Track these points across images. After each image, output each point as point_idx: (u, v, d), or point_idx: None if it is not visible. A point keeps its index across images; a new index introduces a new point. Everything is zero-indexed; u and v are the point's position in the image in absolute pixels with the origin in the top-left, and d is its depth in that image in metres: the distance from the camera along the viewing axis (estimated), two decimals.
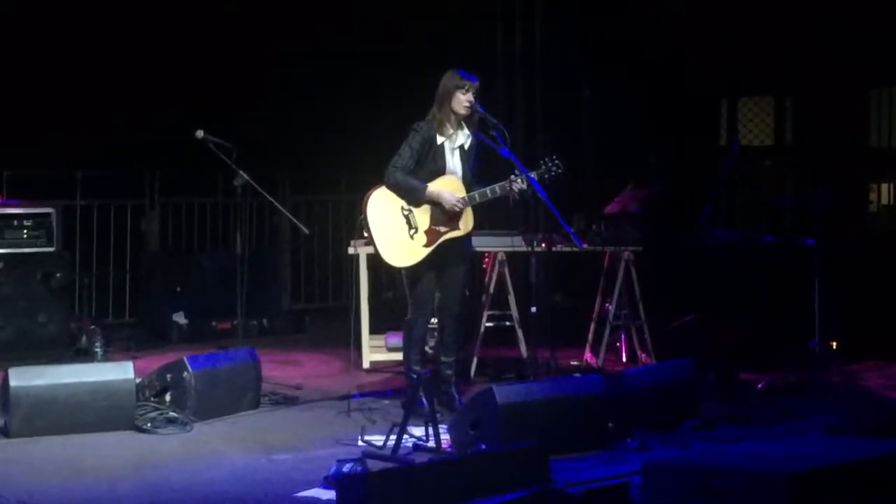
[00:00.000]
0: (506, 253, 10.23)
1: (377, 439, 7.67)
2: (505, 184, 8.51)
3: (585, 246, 9.78)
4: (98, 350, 10.62)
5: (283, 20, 13.35)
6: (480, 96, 8.62)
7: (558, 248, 9.69)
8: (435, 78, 8.68)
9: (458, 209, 8.54)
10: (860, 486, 5.86)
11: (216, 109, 11.83)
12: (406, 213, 8.56)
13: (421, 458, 7.32)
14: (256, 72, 13.24)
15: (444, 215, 8.58)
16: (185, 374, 8.39)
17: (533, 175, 8.49)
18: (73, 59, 12.42)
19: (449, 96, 8.57)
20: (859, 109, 13.25)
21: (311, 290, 14.02)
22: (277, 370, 10.17)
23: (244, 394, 8.77)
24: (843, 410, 8.80)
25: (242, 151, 9.34)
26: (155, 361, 9.70)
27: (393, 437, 7.45)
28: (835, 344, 10.02)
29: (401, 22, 13.23)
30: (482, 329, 10.30)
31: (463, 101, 8.55)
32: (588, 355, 10.55)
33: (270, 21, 13.33)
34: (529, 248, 8.91)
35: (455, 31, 12.80)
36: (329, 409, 8.89)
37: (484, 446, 7.22)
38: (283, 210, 10.35)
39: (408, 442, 7.53)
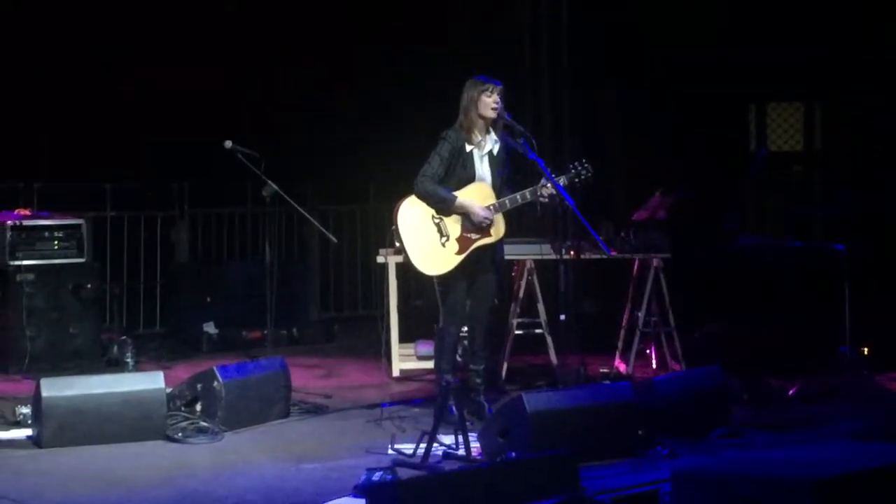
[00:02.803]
0: (534, 260, 10.23)
1: (407, 447, 7.68)
2: (534, 189, 8.51)
3: (614, 253, 9.78)
4: (129, 360, 10.66)
5: (311, 32, 13.37)
6: (507, 106, 8.62)
7: (587, 255, 9.69)
8: (460, 85, 8.68)
9: (486, 224, 8.54)
10: (889, 493, 5.84)
11: (244, 119, 11.87)
12: (437, 221, 8.56)
13: (451, 466, 7.33)
14: (285, 82, 13.27)
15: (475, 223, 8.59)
16: (216, 383, 8.41)
17: (562, 180, 8.49)
18: (104, 72, 12.48)
19: (474, 102, 8.58)
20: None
21: (340, 299, 14.03)
22: (307, 379, 10.20)
23: (274, 403, 8.79)
24: (873, 417, 8.76)
25: (270, 161, 9.36)
26: (185, 371, 9.73)
27: (423, 445, 7.46)
28: (866, 350, 9.98)
29: (426, 32, 13.24)
30: (511, 337, 10.30)
31: (490, 103, 8.55)
32: (618, 362, 10.53)
33: (298, 33, 13.35)
34: (558, 256, 8.91)
35: (481, 40, 12.81)
36: (359, 418, 8.90)
37: (514, 454, 7.22)
38: (312, 219, 10.37)
39: (437, 450, 7.53)
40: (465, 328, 8.91)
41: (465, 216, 8.55)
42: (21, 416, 8.44)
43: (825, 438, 7.98)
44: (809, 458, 6.26)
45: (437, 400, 7.96)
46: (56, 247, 10.73)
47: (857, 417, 8.67)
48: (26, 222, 10.70)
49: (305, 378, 10.21)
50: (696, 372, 8.71)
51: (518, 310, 10.36)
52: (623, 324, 10.63)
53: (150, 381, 8.27)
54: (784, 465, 6.11)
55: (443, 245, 8.56)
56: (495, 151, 8.70)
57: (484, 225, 8.54)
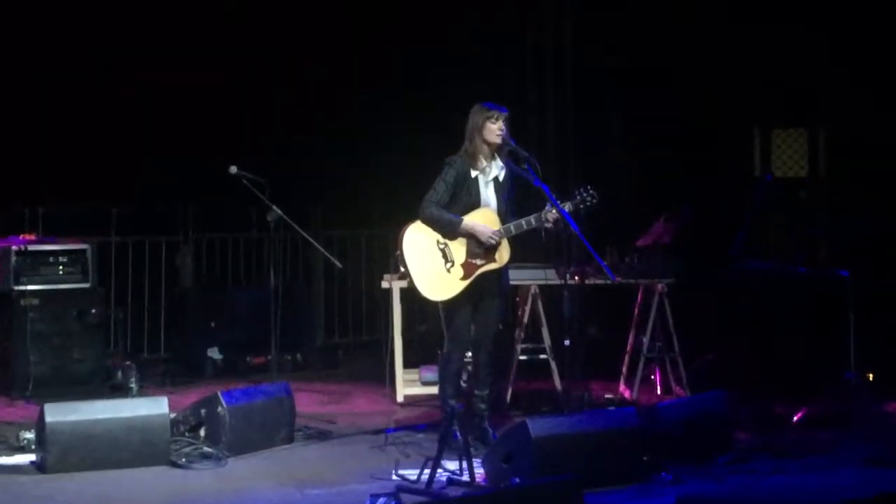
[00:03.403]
0: (539, 286, 10.23)
1: (411, 473, 7.67)
2: (539, 215, 8.51)
3: (618, 279, 9.77)
4: (133, 385, 10.66)
5: (316, 57, 13.39)
6: (512, 132, 8.63)
7: (591, 280, 9.69)
8: (466, 112, 8.70)
9: (492, 242, 8.55)
10: None
11: (249, 145, 11.89)
12: (442, 246, 8.57)
13: (455, 491, 7.32)
14: (290, 108, 13.29)
15: (481, 248, 8.59)
16: (220, 409, 8.40)
17: (567, 206, 8.49)
18: (108, 97, 12.50)
19: (479, 128, 8.59)
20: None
21: (345, 325, 14.03)
22: (311, 405, 10.18)
23: (278, 429, 8.78)
24: (880, 442, 8.74)
25: (275, 187, 9.37)
26: (189, 396, 9.73)
27: (427, 470, 7.45)
28: (871, 376, 9.96)
29: (431, 59, 13.26)
30: (516, 362, 10.29)
31: (494, 129, 8.56)
32: (622, 388, 10.52)
33: (303, 58, 13.38)
34: (563, 281, 8.90)
35: (485, 65, 12.82)
36: (363, 444, 8.89)
37: (518, 480, 7.20)
38: (317, 244, 10.37)
39: (442, 476, 7.52)
40: (470, 353, 8.91)
41: (472, 238, 8.55)
42: (25, 442, 8.43)
43: (832, 464, 7.96)
44: (817, 485, 6.24)
45: (442, 425, 7.96)
46: (61, 272, 10.74)
47: (864, 443, 8.64)
48: (31, 247, 10.70)
49: (310, 403, 10.20)
50: (701, 397, 8.69)
51: (522, 335, 10.35)
52: (627, 349, 10.63)
53: (154, 407, 8.27)
54: (791, 492, 6.09)
55: (448, 270, 8.56)
56: (500, 178, 8.71)
57: (491, 243, 8.53)
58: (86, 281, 10.83)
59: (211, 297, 12.75)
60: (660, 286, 10.34)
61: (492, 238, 8.53)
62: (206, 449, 8.33)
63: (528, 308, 10.27)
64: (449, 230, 8.56)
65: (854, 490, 5.95)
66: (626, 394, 10.42)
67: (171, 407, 8.37)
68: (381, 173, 12.96)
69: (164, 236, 12.99)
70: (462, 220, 8.55)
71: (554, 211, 8.45)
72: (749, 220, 10.66)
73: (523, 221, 8.58)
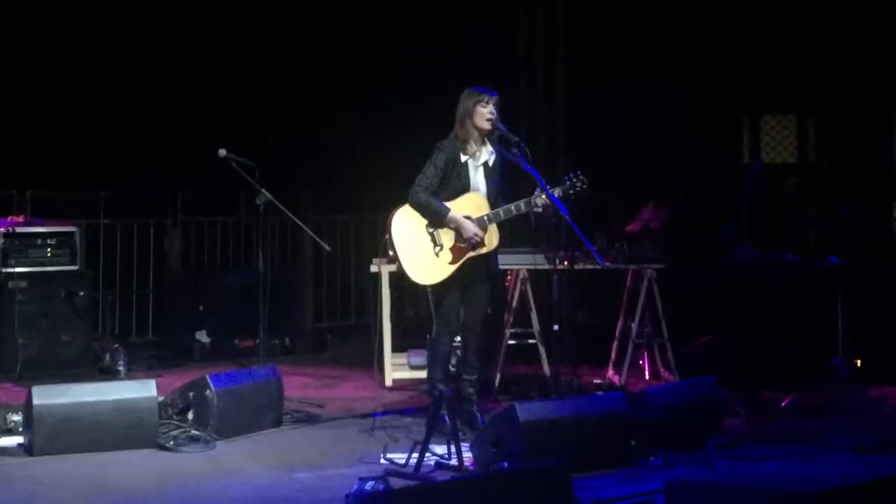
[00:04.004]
0: (528, 270, 10.22)
1: (399, 457, 7.66)
2: (528, 200, 8.50)
3: (608, 264, 9.78)
4: (121, 368, 10.67)
5: (306, 42, 13.36)
6: (502, 116, 8.62)
7: (581, 265, 9.69)
8: (456, 97, 8.68)
9: (476, 241, 8.52)
10: None
11: (238, 128, 11.86)
12: (431, 230, 8.56)
13: (443, 475, 7.31)
14: (279, 91, 13.26)
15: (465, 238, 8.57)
16: (208, 392, 8.39)
17: (557, 191, 8.47)
18: (97, 80, 12.46)
19: (470, 113, 8.58)
20: (884, 127, 13.20)
21: (334, 309, 14.03)
22: (300, 388, 10.17)
23: (266, 412, 8.77)
24: (868, 429, 8.75)
25: (264, 170, 9.35)
26: (177, 380, 9.71)
27: (415, 455, 7.44)
28: (859, 362, 9.97)
29: (423, 43, 13.24)
30: (505, 347, 10.29)
31: (485, 114, 8.54)
32: (611, 373, 10.53)
33: (292, 42, 13.34)
34: (552, 266, 8.90)
35: (477, 52, 12.80)
36: (351, 428, 8.89)
37: (506, 464, 7.20)
38: (306, 228, 10.36)
39: (430, 460, 7.52)
40: (458, 338, 8.91)
41: (458, 230, 8.54)
42: (12, 424, 8.40)
43: (822, 451, 7.97)
44: (806, 471, 6.25)
45: (430, 410, 7.95)
46: (49, 254, 10.72)
47: (852, 430, 8.65)
48: (19, 229, 10.68)
49: (298, 387, 10.19)
50: (690, 383, 8.70)
51: (511, 320, 10.35)
52: (616, 334, 10.64)
53: (142, 390, 8.25)
54: (780, 477, 6.10)
55: (436, 255, 8.55)
56: (490, 162, 8.69)
57: (474, 242, 8.52)
58: (74, 263, 10.81)
59: (199, 280, 12.74)
60: (649, 271, 10.34)
61: (475, 237, 8.50)
62: (195, 432, 8.31)
63: (516, 293, 10.26)
64: (436, 218, 8.55)
65: (843, 476, 5.95)
66: (615, 379, 10.42)
67: (160, 390, 8.35)
68: (371, 157, 12.94)
69: (152, 219, 12.98)
70: (449, 210, 8.52)
71: (543, 196, 8.43)
72: (739, 207, 10.68)
73: (513, 206, 8.57)
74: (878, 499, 5.82)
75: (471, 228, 8.50)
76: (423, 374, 9.78)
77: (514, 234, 10.10)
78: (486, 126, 8.58)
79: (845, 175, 12.89)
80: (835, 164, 13.34)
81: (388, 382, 10.57)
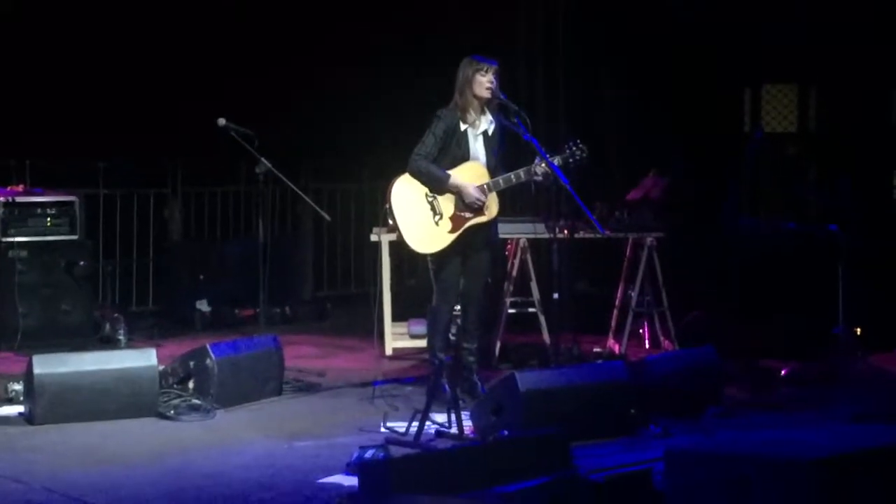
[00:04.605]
0: (528, 239, 10.22)
1: (399, 426, 7.67)
2: (528, 169, 8.49)
3: (608, 232, 9.78)
4: (121, 338, 10.68)
5: (306, 11, 13.32)
6: (502, 85, 8.60)
7: (581, 234, 9.69)
8: (456, 66, 8.66)
9: (478, 205, 8.52)
10: (885, 473, 5.83)
11: (238, 97, 11.83)
12: (430, 199, 8.55)
13: (443, 444, 7.32)
14: (278, 60, 13.23)
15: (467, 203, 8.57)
16: (208, 361, 8.40)
17: (557, 160, 8.47)
18: (96, 49, 12.43)
19: (469, 82, 8.56)
20: (884, 96, 13.17)
21: (334, 278, 14.03)
22: (300, 358, 10.18)
23: (267, 381, 8.78)
24: (867, 397, 8.77)
25: (264, 139, 9.33)
26: (178, 349, 9.72)
27: (415, 423, 7.45)
28: (859, 331, 9.98)
29: (423, 12, 13.20)
30: (504, 315, 10.29)
31: (484, 83, 8.52)
32: (611, 342, 10.54)
33: (293, 11, 13.30)
34: (552, 235, 8.89)
35: (476, 20, 12.76)
36: (351, 396, 8.90)
37: (506, 433, 7.21)
38: (305, 197, 10.35)
39: (430, 428, 7.53)
40: (458, 307, 8.91)
41: (458, 196, 8.54)
42: (13, 393, 8.42)
43: (821, 419, 7.98)
44: (805, 439, 6.24)
45: (430, 378, 7.96)
46: (49, 224, 10.71)
47: (852, 398, 8.67)
48: (19, 199, 10.67)
49: (298, 356, 10.20)
50: (690, 351, 8.72)
51: (511, 289, 10.35)
52: (616, 303, 10.64)
53: (142, 359, 8.26)
54: (780, 445, 6.09)
55: (436, 223, 8.55)
56: (490, 131, 8.68)
57: (476, 205, 8.52)
58: (74, 233, 10.81)
59: (199, 249, 12.74)
60: (649, 240, 10.34)
61: (477, 201, 8.50)
62: (195, 401, 8.32)
63: (516, 261, 10.27)
64: (436, 185, 8.54)
65: (842, 445, 5.95)
66: (615, 347, 10.43)
67: (160, 359, 8.36)
68: (371, 126, 12.92)
69: (152, 189, 12.96)
70: (450, 176, 8.52)
71: (543, 164, 8.43)
72: (739, 177, 10.67)
73: (512, 175, 8.56)
74: (877, 467, 5.83)
75: (473, 192, 8.50)
76: (423, 343, 9.79)
77: (515, 203, 10.10)
78: (486, 95, 8.56)
79: (846, 144, 12.86)
80: (835, 133, 13.31)
81: (389, 351, 10.59)
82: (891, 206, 12.86)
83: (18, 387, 8.36)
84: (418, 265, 11.23)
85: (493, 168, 8.66)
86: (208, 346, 8.49)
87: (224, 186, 13.36)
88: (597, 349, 10.36)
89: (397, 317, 10.76)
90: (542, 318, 10.27)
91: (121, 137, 12.40)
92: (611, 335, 10.60)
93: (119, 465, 7.06)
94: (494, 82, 8.54)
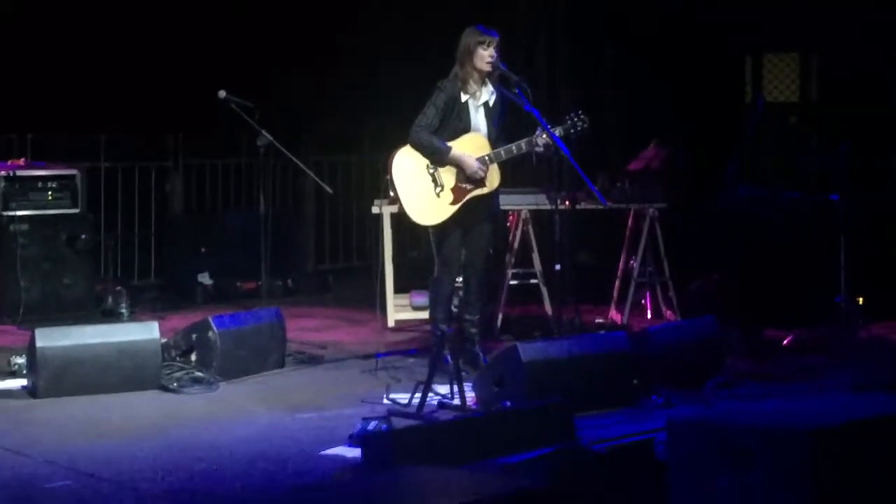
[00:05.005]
0: (530, 211, 10.22)
1: (402, 397, 7.68)
2: (529, 140, 8.48)
3: (609, 203, 9.77)
4: (124, 311, 10.69)
5: None
6: (502, 54, 8.59)
7: (582, 205, 9.68)
8: (457, 35, 8.64)
9: (479, 176, 8.51)
10: (886, 443, 5.83)
11: (239, 69, 11.81)
12: (431, 171, 8.55)
13: (446, 415, 7.33)
14: (279, 32, 13.19)
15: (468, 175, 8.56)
16: (211, 333, 8.41)
17: (558, 131, 8.46)
18: (97, 22, 12.39)
19: (470, 53, 8.54)
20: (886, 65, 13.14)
21: (335, 251, 14.03)
22: (302, 330, 10.19)
23: (269, 353, 8.79)
24: (869, 367, 8.77)
25: (265, 112, 9.32)
26: (180, 322, 9.73)
27: (418, 395, 7.46)
28: (861, 300, 9.98)
29: None
30: (506, 287, 10.30)
31: (485, 56, 8.51)
32: (613, 313, 10.54)
33: None
34: (553, 206, 8.89)
35: None
36: (354, 368, 8.91)
37: (508, 404, 7.22)
38: (307, 170, 10.34)
39: (432, 400, 7.54)
40: (460, 278, 8.91)
41: (459, 168, 8.53)
42: (16, 367, 8.43)
43: (823, 389, 7.98)
44: (807, 409, 6.25)
45: (432, 350, 7.97)
46: (50, 197, 10.71)
47: (853, 368, 8.67)
48: (20, 173, 10.67)
49: (300, 329, 10.20)
50: (692, 322, 8.72)
51: (513, 260, 10.36)
52: (618, 274, 10.65)
53: (144, 332, 8.27)
54: (781, 415, 6.10)
55: (437, 195, 8.54)
56: (491, 102, 8.67)
57: (477, 177, 8.51)
58: (75, 207, 10.81)
59: (201, 222, 12.74)
60: (650, 211, 10.34)
61: (478, 172, 8.49)
62: (198, 373, 8.33)
63: (518, 233, 10.27)
64: (437, 157, 8.54)
65: (843, 414, 5.95)
66: (617, 318, 10.44)
67: (162, 332, 8.37)
68: (372, 98, 12.89)
69: (153, 162, 12.95)
70: (451, 148, 8.51)
71: (545, 135, 8.42)
72: (741, 146, 10.65)
73: (513, 146, 8.55)
74: (878, 436, 5.83)
75: (473, 164, 8.49)
76: (425, 315, 9.79)
77: (516, 174, 10.09)
78: (487, 68, 8.55)
79: (847, 113, 12.84)
80: (837, 102, 13.29)
81: (391, 323, 10.60)
82: (891, 174, 12.85)
83: (21, 360, 8.37)
84: (420, 237, 11.22)
85: (495, 139, 8.65)
86: (210, 319, 8.50)
87: (225, 159, 13.34)
88: (599, 320, 10.38)
89: (399, 289, 10.77)
90: (543, 290, 10.27)
91: (122, 111, 12.39)
92: (613, 306, 10.61)
93: (122, 437, 7.08)
94: (496, 55, 8.53)
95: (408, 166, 8.55)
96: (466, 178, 8.55)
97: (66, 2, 12.31)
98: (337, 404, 7.81)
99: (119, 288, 10.97)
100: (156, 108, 12.63)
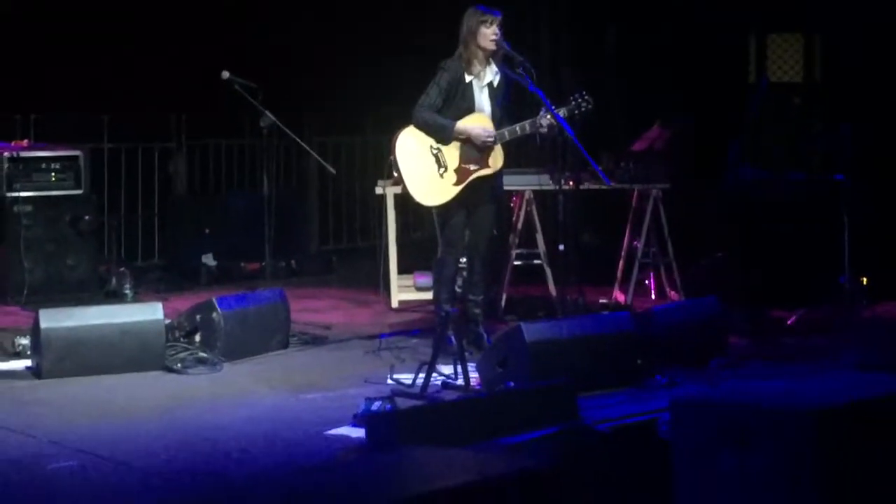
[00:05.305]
0: (533, 191, 10.21)
1: (406, 378, 7.68)
2: (534, 121, 8.47)
3: (613, 184, 9.77)
4: (128, 292, 10.68)
5: None
6: (506, 35, 8.57)
7: (586, 186, 9.67)
8: (460, 17, 8.63)
9: (488, 143, 8.51)
10: (890, 423, 5.84)
11: (242, 50, 11.80)
12: (435, 151, 8.54)
13: (449, 396, 7.33)
14: (282, 12, 13.17)
15: (474, 153, 8.55)
16: (215, 314, 8.41)
17: (562, 112, 8.45)
18: (100, 3, 12.37)
19: (473, 33, 8.53)
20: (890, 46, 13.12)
21: (339, 231, 14.02)
22: (306, 311, 10.18)
23: (273, 334, 8.80)
24: (873, 346, 8.78)
25: (268, 92, 9.31)
26: (184, 303, 9.73)
27: (421, 375, 7.46)
28: (865, 280, 9.98)
29: None
30: (510, 267, 10.30)
31: (489, 34, 8.49)
32: (617, 293, 10.54)
33: None
34: (557, 187, 8.89)
35: None
36: (358, 349, 8.91)
37: (512, 384, 7.22)
38: (311, 150, 10.33)
39: (436, 380, 7.54)
40: (464, 259, 8.90)
41: (466, 142, 8.52)
42: (20, 347, 8.44)
43: (827, 369, 7.98)
44: (811, 388, 6.25)
45: (436, 330, 7.97)
46: (53, 178, 10.71)
47: (857, 347, 8.68)
48: (23, 154, 10.66)
49: (304, 309, 10.19)
50: (696, 302, 8.72)
51: (517, 240, 10.36)
52: (622, 254, 10.64)
53: (149, 312, 8.27)
54: (785, 395, 6.10)
55: (441, 176, 8.54)
56: (495, 83, 8.66)
57: (487, 143, 8.49)
58: (79, 188, 10.80)
59: (205, 203, 12.74)
60: (654, 191, 10.33)
61: (488, 139, 8.49)
62: (202, 354, 8.34)
63: (522, 213, 10.27)
64: (442, 135, 8.53)
65: (847, 394, 5.95)
66: (621, 298, 10.44)
67: (166, 313, 8.36)
68: (376, 78, 12.88)
69: (157, 143, 12.94)
70: (455, 123, 8.51)
71: (549, 116, 8.41)
72: (744, 127, 10.64)
73: (518, 127, 8.55)
74: (881, 416, 5.84)
75: (481, 132, 8.48)
76: (429, 296, 9.80)
77: (520, 154, 10.08)
78: (490, 47, 8.54)
79: (851, 93, 12.82)
80: (840, 82, 13.27)
81: (395, 304, 10.59)
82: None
83: (25, 341, 8.38)
84: (424, 218, 11.22)
85: (499, 120, 8.64)
86: (214, 300, 8.50)
87: (229, 140, 13.33)
88: (603, 300, 10.37)
89: (403, 269, 10.77)
90: (547, 270, 10.27)
91: (125, 91, 12.37)
92: (616, 286, 10.61)
93: (126, 418, 7.08)
94: (499, 34, 8.51)
95: (411, 147, 8.55)
96: (470, 158, 8.54)
97: None
98: (341, 385, 7.81)
99: (123, 269, 10.97)
100: (159, 88, 12.61)
